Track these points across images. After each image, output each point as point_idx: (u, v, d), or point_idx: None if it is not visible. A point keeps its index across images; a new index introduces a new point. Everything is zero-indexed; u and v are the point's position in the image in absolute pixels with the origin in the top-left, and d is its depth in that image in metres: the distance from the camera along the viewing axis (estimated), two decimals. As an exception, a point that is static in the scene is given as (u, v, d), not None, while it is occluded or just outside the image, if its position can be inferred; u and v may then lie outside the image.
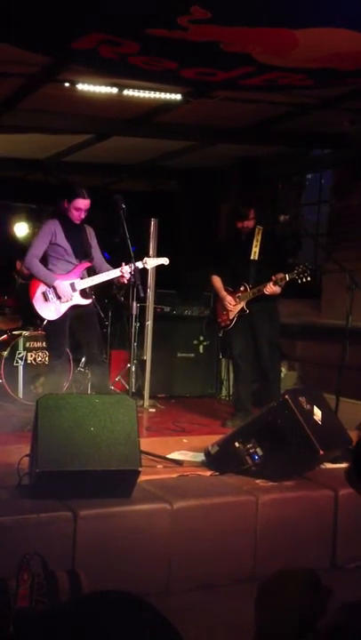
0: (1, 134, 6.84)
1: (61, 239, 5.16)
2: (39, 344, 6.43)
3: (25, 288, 7.06)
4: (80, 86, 5.36)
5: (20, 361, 6.30)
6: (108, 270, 5.20)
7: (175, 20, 3.81)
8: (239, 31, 3.98)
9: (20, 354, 6.32)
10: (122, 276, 5.10)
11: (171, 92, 5.53)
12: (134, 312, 5.07)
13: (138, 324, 6.48)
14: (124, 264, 5.09)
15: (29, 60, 4.79)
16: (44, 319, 5.31)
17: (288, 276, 5.45)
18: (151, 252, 6.59)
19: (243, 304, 5.70)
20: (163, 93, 5.54)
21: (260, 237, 5.75)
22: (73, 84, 5.33)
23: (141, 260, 5.22)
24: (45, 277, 5.15)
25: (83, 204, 5.10)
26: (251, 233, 5.75)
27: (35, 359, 6.39)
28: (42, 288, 5.18)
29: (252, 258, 5.72)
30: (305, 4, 3.72)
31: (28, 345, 6.38)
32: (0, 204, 8.94)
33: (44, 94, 5.59)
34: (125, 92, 5.49)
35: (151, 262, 5.40)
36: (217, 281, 5.89)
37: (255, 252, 5.72)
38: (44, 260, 5.23)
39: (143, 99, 5.63)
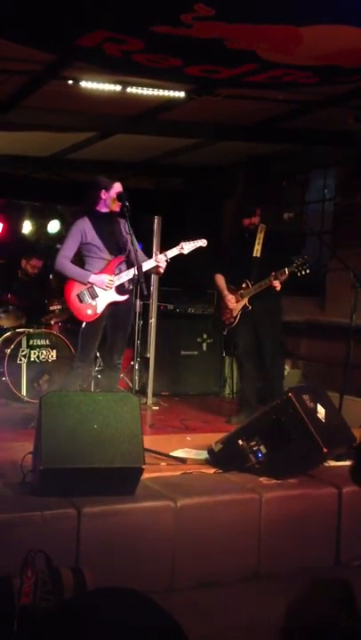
0: (5, 132, 6.84)
1: (92, 237, 4.98)
2: (43, 341, 6.43)
3: (29, 285, 7.10)
4: (84, 84, 5.35)
5: (23, 358, 6.31)
6: (143, 261, 4.92)
7: (179, 18, 3.81)
8: (243, 28, 3.98)
9: (23, 351, 6.33)
10: (158, 267, 4.95)
11: (175, 89, 5.52)
12: (138, 309, 5.06)
13: (141, 322, 6.49)
14: (158, 253, 4.93)
15: (33, 57, 4.79)
16: (81, 321, 5.07)
17: (287, 270, 5.46)
18: (155, 250, 6.59)
19: (245, 300, 5.70)
20: (167, 91, 5.53)
21: (262, 235, 5.76)
22: (77, 81, 5.32)
23: (177, 245, 5.05)
24: (80, 276, 4.97)
25: (120, 186, 4.94)
26: (254, 230, 5.76)
27: (38, 357, 6.39)
28: (75, 290, 4.98)
29: (254, 255, 5.73)
30: (309, 1, 3.71)
31: (31, 342, 6.39)
32: (4, 202, 8.94)
33: (48, 92, 5.59)
34: (129, 90, 5.48)
35: (188, 247, 5.06)
36: (220, 280, 5.89)
37: (257, 250, 5.73)
38: (81, 262, 5.07)
39: (147, 96, 5.62)
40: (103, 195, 4.99)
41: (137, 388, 5.41)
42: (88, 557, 3.15)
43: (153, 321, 6.87)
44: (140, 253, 5.00)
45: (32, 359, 6.35)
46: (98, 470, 3.33)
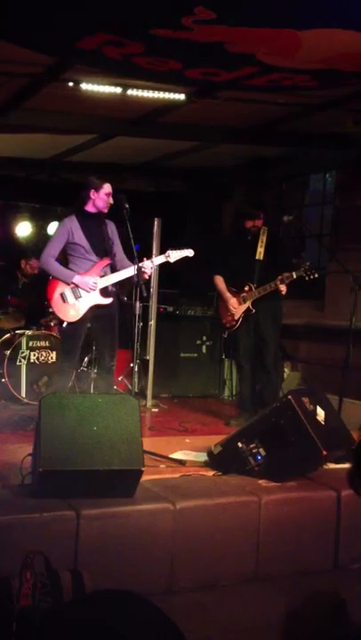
0: (5, 134, 6.85)
1: (79, 237, 4.99)
2: (42, 343, 6.43)
3: (28, 287, 7.10)
4: (84, 86, 5.36)
5: (23, 360, 6.31)
6: (129, 267, 4.97)
7: (180, 21, 3.82)
8: (244, 32, 3.99)
9: (23, 353, 6.32)
10: (143, 272, 4.94)
11: (175, 92, 5.53)
12: (137, 312, 5.06)
13: (141, 324, 6.47)
14: (145, 259, 4.95)
15: (34, 59, 4.79)
16: (63, 320, 5.11)
17: (295, 274, 5.45)
18: (154, 252, 6.59)
19: (248, 304, 5.69)
20: (167, 93, 5.54)
21: (265, 238, 5.76)
22: (77, 83, 5.33)
23: (164, 253, 5.10)
24: (63, 276, 4.97)
25: (109, 187, 4.98)
26: (256, 233, 5.76)
27: (38, 358, 6.39)
28: (59, 289, 4.99)
29: (257, 258, 5.72)
30: (309, 6, 3.71)
31: (31, 344, 6.38)
32: (4, 204, 8.94)
33: (48, 94, 5.60)
34: (129, 92, 5.48)
35: (175, 255, 5.12)
36: (220, 282, 5.88)
37: (260, 252, 5.72)
38: (65, 261, 5.08)
39: (147, 98, 5.63)
40: (92, 195, 5.01)
41: (136, 390, 5.41)
42: (87, 559, 3.15)
43: (152, 323, 6.87)
44: (124, 257, 5.08)
45: (32, 361, 6.35)
46: (97, 472, 3.33)
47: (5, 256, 7.65)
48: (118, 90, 5.45)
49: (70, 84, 5.34)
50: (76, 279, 4.95)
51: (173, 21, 3.83)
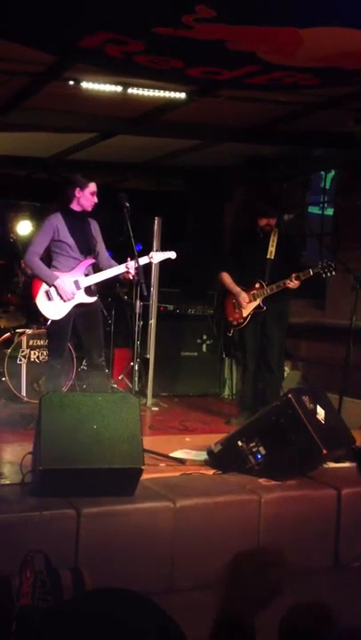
0: (5, 132, 6.84)
1: (65, 235, 5.01)
2: (42, 342, 6.43)
3: (28, 286, 7.09)
4: (85, 85, 5.35)
5: (23, 359, 6.31)
6: (113, 266, 5.06)
7: (181, 19, 3.81)
8: (245, 30, 3.98)
9: (23, 352, 6.32)
10: (127, 272, 4.99)
11: (176, 90, 5.52)
12: (138, 310, 5.07)
13: (141, 323, 6.49)
14: (129, 259, 4.97)
15: (34, 58, 4.79)
16: (47, 318, 5.14)
17: (312, 271, 5.43)
18: (155, 251, 6.59)
19: (259, 301, 5.68)
20: (168, 92, 5.54)
21: (275, 238, 5.76)
22: (78, 82, 5.33)
23: (147, 254, 5.14)
24: (46, 276, 4.98)
25: (95, 186, 5.00)
26: (269, 232, 5.75)
27: (38, 357, 6.39)
28: (45, 287, 5.01)
29: (268, 257, 5.72)
30: (310, 3, 3.71)
31: (31, 343, 6.38)
32: (4, 203, 8.94)
33: (49, 93, 5.59)
34: (130, 91, 5.48)
35: (157, 257, 5.21)
36: (227, 278, 5.86)
37: (271, 252, 5.72)
38: (49, 258, 5.10)
39: (148, 97, 5.62)
40: (78, 193, 5.02)
41: (136, 388, 5.43)
42: (87, 558, 3.15)
43: (153, 322, 6.87)
44: (107, 256, 5.15)
45: (32, 360, 6.35)
46: (97, 471, 3.33)
47: (6, 255, 7.65)
48: (119, 89, 5.44)
49: (71, 82, 5.33)
50: (57, 282, 4.96)
51: (174, 20, 3.82)
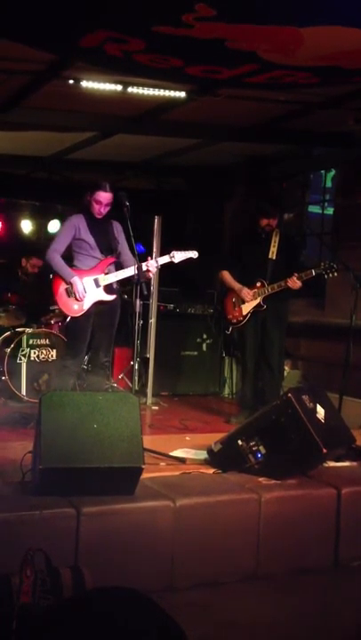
0: (5, 131, 6.84)
1: (85, 234, 5.07)
2: (42, 341, 6.44)
3: (29, 285, 7.10)
4: (85, 84, 5.35)
5: (23, 358, 6.31)
6: (133, 265, 4.98)
7: (180, 18, 3.81)
8: (244, 29, 3.98)
9: (23, 351, 6.32)
10: (147, 271, 5.02)
11: (175, 89, 5.52)
12: (138, 309, 5.07)
13: (141, 322, 6.48)
14: (149, 258, 5.03)
15: (34, 57, 4.79)
16: (67, 315, 5.20)
17: (314, 271, 5.44)
18: (155, 250, 6.59)
19: (260, 299, 5.69)
20: (167, 91, 5.54)
21: (277, 238, 5.76)
22: (78, 81, 5.33)
23: (168, 253, 5.14)
24: (64, 274, 5.07)
25: (103, 197, 5.01)
26: (270, 232, 5.76)
27: (38, 356, 6.39)
28: (64, 284, 5.08)
29: (269, 257, 5.72)
30: (310, 2, 3.71)
31: (31, 342, 6.39)
32: (4, 202, 8.94)
33: (49, 92, 5.59)
34: (130, 90, 5.48)
35: (179, 256, 5.17)
36: (228, 276, 5.87)
37: (273, 252, 5.72)
38: (70, 257, 5.15)
39: (148, 96, 5.62)
40: (88, 197, 5.09)
41: (137, 388, 5.40)
42: (87, 557, 3.15)
43: (153, 321, 6.87)
44: (130, 256, 5.12)
45: (32, 358, 6.35)
46: (97, 470, 3.33)
47: (6, 254, 7.65)
48: (119, 87, 5.44)
49: (71, 81, 5.33)
50: (73, 280, 5.03)
51: (174, 18, 3.82)
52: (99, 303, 5.10)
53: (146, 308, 6.78)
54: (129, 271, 5.03)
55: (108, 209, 5.09)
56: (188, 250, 5.22)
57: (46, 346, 6.44)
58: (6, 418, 5.44)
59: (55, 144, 7.64)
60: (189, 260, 5.24)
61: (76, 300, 5.04)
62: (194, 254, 5.22)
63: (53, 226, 9.00)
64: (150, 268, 5.02)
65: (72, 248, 5.14)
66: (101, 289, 5.08)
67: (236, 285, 5.79)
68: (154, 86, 5.45)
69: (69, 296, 5.07)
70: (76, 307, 5.07)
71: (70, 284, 5.04)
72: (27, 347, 6.35)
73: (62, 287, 5.09)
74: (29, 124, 6.57)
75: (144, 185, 9.09)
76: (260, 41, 4.13)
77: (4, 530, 3.08)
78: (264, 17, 3.84)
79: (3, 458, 4.00)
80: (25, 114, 6.20)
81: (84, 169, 8.48)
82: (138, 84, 5.43)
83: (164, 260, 5.14)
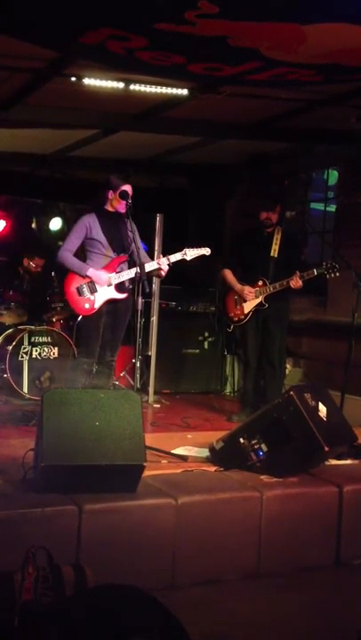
0: (7, 129, 6.84)
1: (97, 233, 5.06)
2: (44, 339, 6.43)
3: (30, 283, 7.10)
4: (87, 81, 5.35)
5: (25, 355, 6.31)
6: (146, 262, 4.98)
7: (183, 15, 3.80)
8: (247, 26, 3.97)
9: (25, 348, 6.32)
10: (160, 269, 5.01)
11: (178, 87, 5.52)
12: (139, 307, 5.07)
13: (143, 320, 6.48)
14: (161, 256, 5.02)
15: (36, 54, 4.79)
16: (78, 314, 5.17)
17: (316, 271, 5.43)
18: (157, 248, 6.58)
19: (261, 298, 5.68)
20: (169, 88, 5.53)
21: (279, 237, 5.75)
22: (79, 78, 5.32)
23: (180, 250, 5.11)
24: (79, 268, 5.05)
25: (130, 188, 4.99)
26: (272, 231, 5.75)
27: (40, 354, 6.39)
28: (75, 284, 5.05)
29: (271, 255, 5.71)
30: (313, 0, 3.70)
31: (33, 339, 6.39)
32: (6, 200, 8.94)
33: (51, 89, 5.59)
34: (132, 87, 5.48)
35: (191, 253, 5.12)
36: (230, 274, 5.87)
37: (275, 250, 5.72)
38: (84, 256, 5.13)
39: (150, 94, 5.62)
40: (110, 195, 5.07)
41: (138, 385, 5.40)
42: (89, 554, 3.15)
43: (154, 319, 6.87)
44: (144, 254, 5.10)
45: (34, 356, 6.35)
46: (99, 467, 3.33)
47: (8, 252, 7.65)
48: (121, 85, 5.44)
49: (73, 79, 5.33)
50: (90, 272, 5.02)
51: (177, 15, 3.82)
52: (110, 302, 5.08)
53: (148, 305, 6.78)
54: (149, 266, 4.94)
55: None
56: (200, 247, 5.17)
57: (48, 343, 6.44)
58: (8, 415, 5.44)
59: (57, 142, 7.64)
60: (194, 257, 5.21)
61: (93, 294, 5.01)
62: (207, 251, 5.19)
63: (55, 223, 9.00)
64: (162, 266, 5.00)
65: (85, 247, 5.12)
66: (112, 287, 5.06)
67: (238, 286, 5.79)
68: (156, 84, 5.45)
69: (80, 295, 5.05)
70: (87, 305, 5.06)
71: (88, 276, 5.01)
72: (28, 344, 6.35)
73: (73, 286, 5.07)
74: (31, 122, 6.57)
75: (146, 183, 9.07)
76: (262, 38, 4.13)
77: (7, 527, 3.08)
78: (267, 14, 3.84)
79: (4, 455, 4.01)
80: (27, 111, 6.20)
81: (86, 167, 8.48)
82: (140, 82, 5.42)
83: (177, 257, 5.09)
